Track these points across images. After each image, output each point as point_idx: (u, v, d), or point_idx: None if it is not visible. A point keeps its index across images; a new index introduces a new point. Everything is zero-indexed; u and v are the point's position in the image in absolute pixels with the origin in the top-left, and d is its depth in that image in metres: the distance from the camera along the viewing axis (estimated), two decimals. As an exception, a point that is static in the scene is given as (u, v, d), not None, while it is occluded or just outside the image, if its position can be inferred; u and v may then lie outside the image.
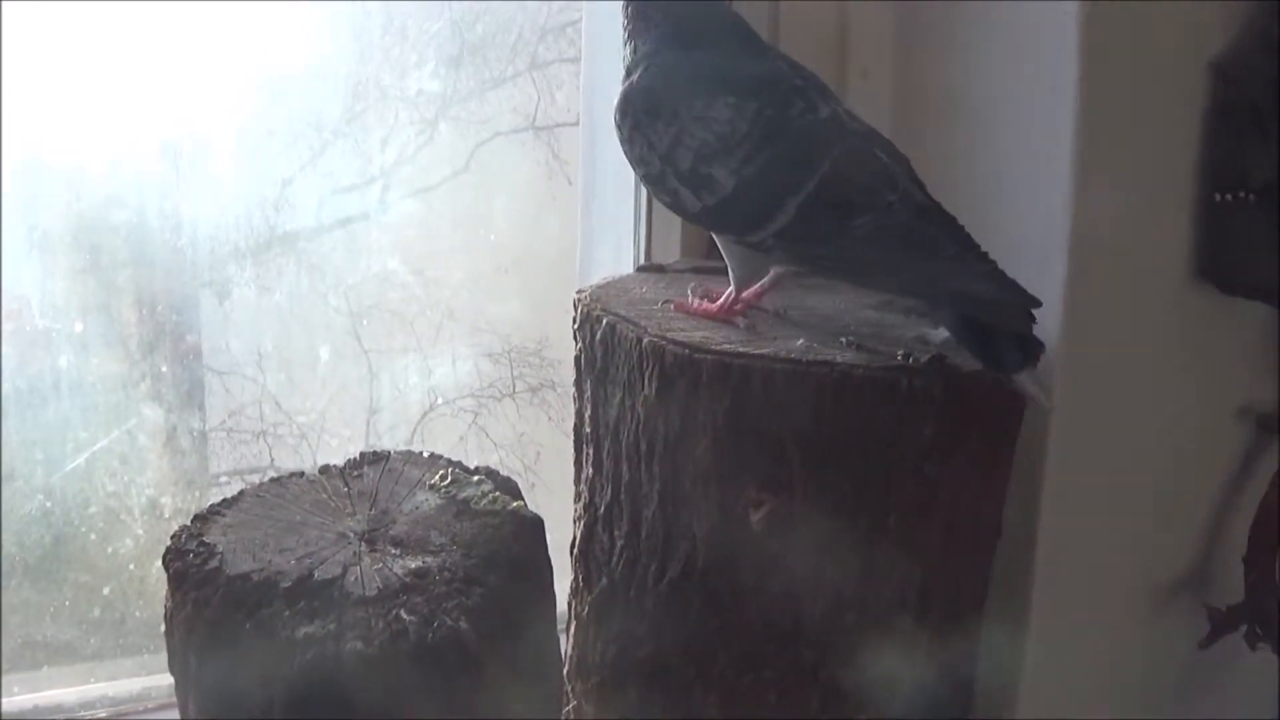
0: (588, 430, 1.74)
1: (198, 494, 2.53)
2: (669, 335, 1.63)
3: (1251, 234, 1.90)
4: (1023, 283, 1.60)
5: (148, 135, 2.22)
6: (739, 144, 1.63)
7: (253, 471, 2.63)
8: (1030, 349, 1.59)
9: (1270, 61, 1.90)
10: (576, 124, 2.30)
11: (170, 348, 2.42)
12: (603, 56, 2.02)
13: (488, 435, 2.68)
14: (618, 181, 2.06)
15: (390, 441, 2.67)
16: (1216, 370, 2.01)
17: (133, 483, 2.36)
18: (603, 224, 2.14)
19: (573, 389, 1.77)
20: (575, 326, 1.74)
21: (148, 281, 2.36)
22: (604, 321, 1.69)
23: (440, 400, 2.67)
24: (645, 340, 1.65)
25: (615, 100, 1.69)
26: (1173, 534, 2.04)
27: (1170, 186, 1.94)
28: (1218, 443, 2.06)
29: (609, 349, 1.69)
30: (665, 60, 1.69)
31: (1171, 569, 2.06)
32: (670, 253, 2.05)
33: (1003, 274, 1.59)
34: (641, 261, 2.04)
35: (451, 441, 2.66)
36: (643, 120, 1.67)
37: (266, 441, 2.64)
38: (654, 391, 1.62)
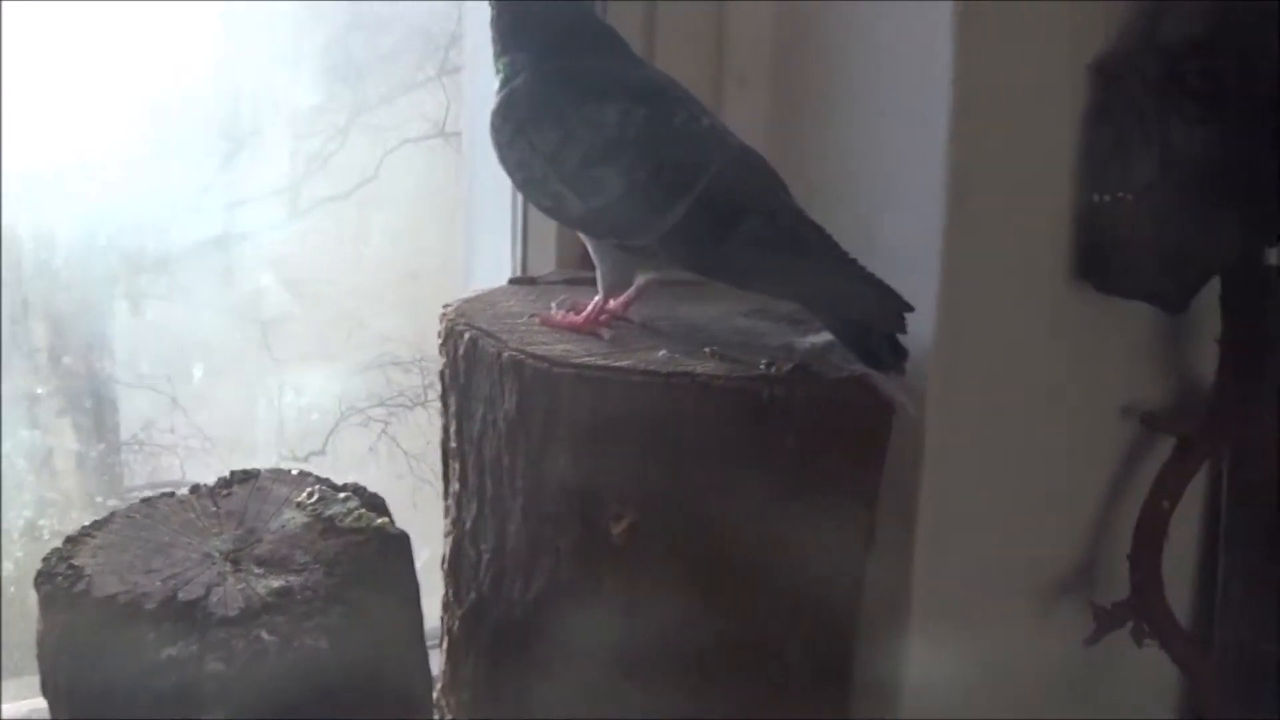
0: (453, 445, 1.76)
1: (115, 507, 2.53)
2: (529, 349, 1.65)
3: (1131, 234, 1.93)
4: (899, 286, 1.64)
5: (57, 146, 2.20)
6: (628, 146, 1.66)
7: (165, 485, 2.63)
8: (900, 351, 1.61)
9: (1150, 62, 1.90)
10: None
11: (80, 361, 2.42)
12: (485, 67, 2.03)
13: (399, 444, 2.68)
14: (496, 193, 2.07)
15: (302, 450, 2.68)
16: (1099, 370, 2.03)
17: (40, 498, 2.35)
18: (483, 236, 2.16)
19: (439, 403, 1.76)
20: (440, 342, 1.74)
21: (55, 294, 2.34)
22: (466, 336, 1.71)
23: (351, 409, 2.67)
24: (505, 355, 1.66)
25: (493, 106, 1.72)
26: (1057, 533, 2.07)
27: (1049, 187, 1.96)
28: (1102, 441, 2.08)
29: (471, 363, 1.71)
30: (548, 68, 1.72)
31: (1057, 568, 2.09)
32: (546, 264, 2.07)
33: (877, 278, 1.63)
34: (517, 273, 2.02)
35: (362, 451, 2.66)
36: (526, 123, 1.70)
37: (178, 454, 2.63)
38: (514, 406, 1.64)
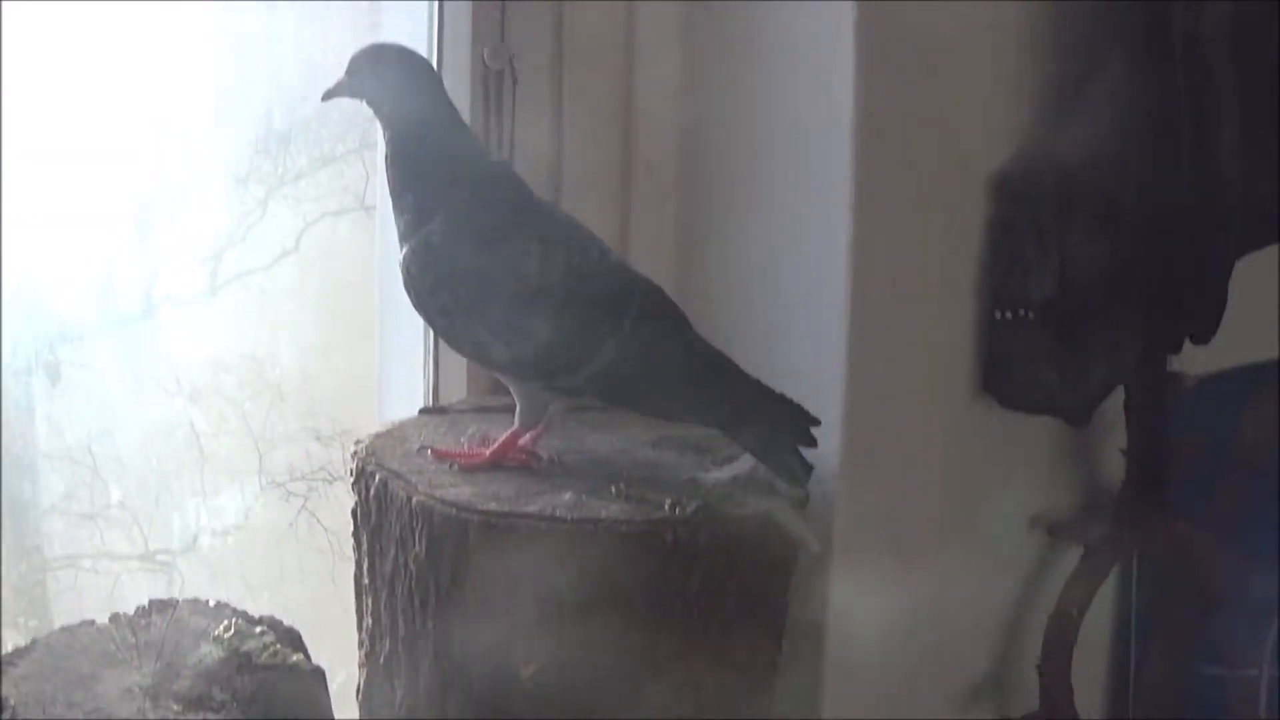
0: (366, 581, 1.81)
1: (39, 578, 2.58)
2: (438, 494, 1.71)
3: (1032, 350, 2.00)
4: (806, 402, 1.72)
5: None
6: (553, 292, 1.72)
7: (87, 556, 2.66)
8: (807, 465, 1.72)
9: (1049, 177, 1.97)
10: None
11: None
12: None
13: (318, 519, 2.71)
14: (410, 317, 2.11)
15: (220, 525, 2.71)
16: (1005, 481, 2.10)
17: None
18: (397, 358, 2.21)
19: (351, 539, 1.82)
20: (351, 481, 1.80)
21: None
22: (377, 478, 1.77)
23: (271, 482, 2.71)
24: (415, 499, 1.72)
25: (404, 253, 1.75)
26: (968, 644, 2.14)
27: (951, 303, 2.03)
28: (1010, 552, 2.15)
29: (383, 505, 1.77)
30: (461, 213, 1.75)
31: (968, 679, 2.16)
32: (458, 389, 2.12)
33: (785, 396, 1.72)
34: (431, 401, 2.09)
35: (281, 525, 2.70)
36: (447, 272, 1.73)
37: (98, 525, 2.67)
38: (424, 550, 1.70)
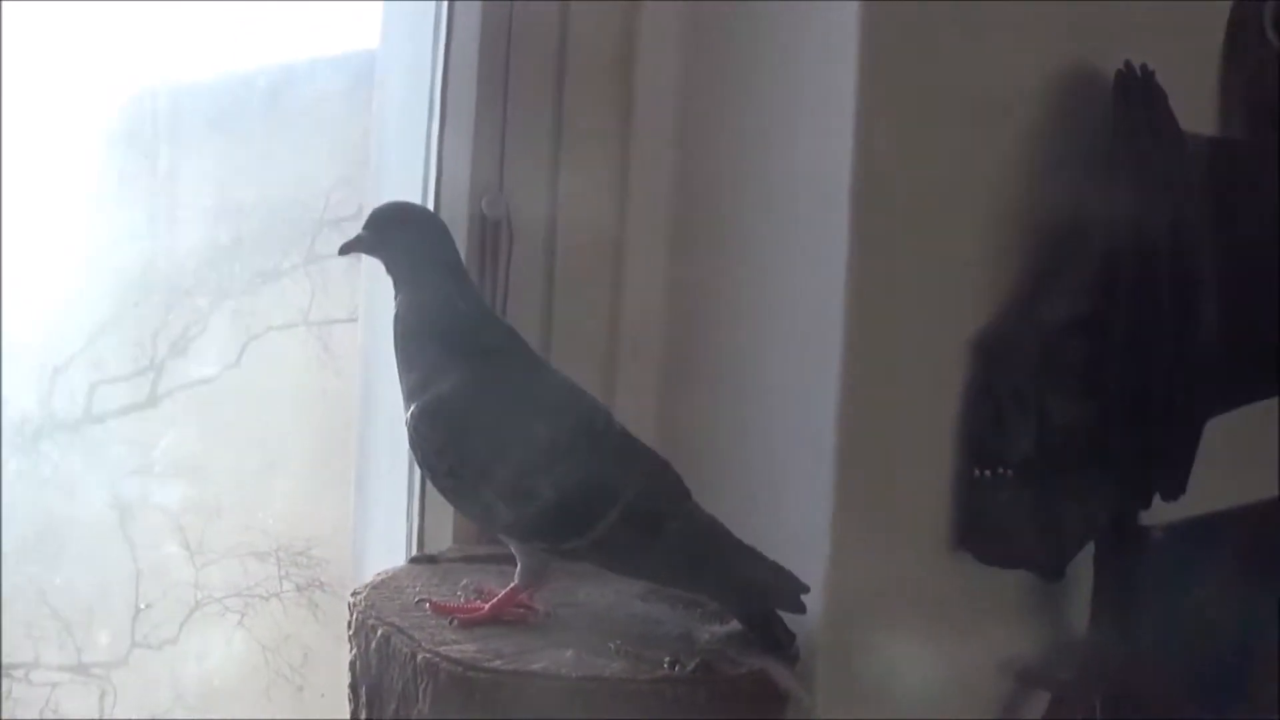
0: (365, 734, 1.85)
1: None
2: (442, 651, 1.77)
3: (1010, 509, 2.09)
4: (790, 565, 1.81)
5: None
6: (561, 458, 1.79)
7: (19, 666, 2.68)
8: (790, 634, 1.82)
9: (1029, 340, 2.08)
10: (350, 320, 2.46)
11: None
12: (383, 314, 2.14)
13: (254, 636, 2.75)
14: (392, 463, 2.17)
15: (154, 639, 2.74)
16: (977, 630, 2.18)
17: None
18: (376, 505, 2.26)
19: (347, 690, 1.88)
20: (350, 632, 1.86)
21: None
22: (379, 632, 1.82)
23: (207, 597, 2.74)
24: (420, 656, 1.77)
25: (413, 410, 1.81)
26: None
27: (931, 461, 2.13)
28: (981, 699, 2.22)
29: (384, 659, 1.82)
30: (470, 373, 1.82)
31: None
32: (444, 537, 2.17)
33: (776, 563, 1.81)
34: (414, 547, 2.16)
35: (218, 642, 2.74)
36: (457, 434, 1.79)
37: (32, 636, 2.69)
38: (428, 706, 1.75)
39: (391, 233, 1.86)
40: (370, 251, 1.86)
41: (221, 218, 2.61)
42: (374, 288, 2.24)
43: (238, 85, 2.56)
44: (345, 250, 1.89)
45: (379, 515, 2.24)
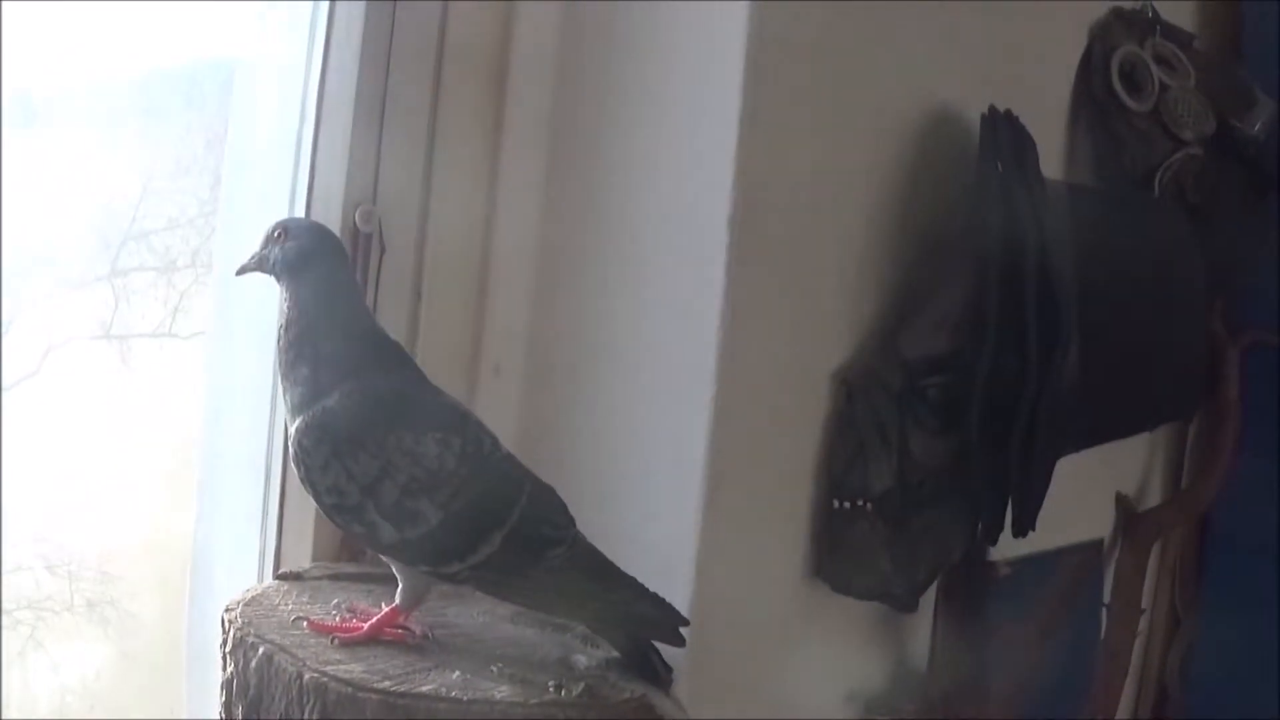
0: (238, 758, 1.85)
1: None
2: (329, 670, 1.78)
3: (866, 539, 2.17)
4: (657, 588, 1.87)
5: None
6: (447, 479, 1.80)
7: None
8: (668, 666, 1.87)
9: (892, 375, 2.16)
10: (151, 335, 2.43)
11: None
12: (236, 328, 2.14)
13: (46, 650, 2.72)
14: (243, 477, 2.18)
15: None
16: (830, 658, 2.27)
17: None
18: (220, 520, 2.25)
19: (220, 710, 1.88)
20: (226, 649, 1.86)
21: None
22: (260, 650, 1.82)
23: (-3, 612, 2.70)
24: (306, 676, 1.77)
25: (297, 426, 1.81)
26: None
27: (794, 491, 2.21)
28: (828, 729, 2.28)
29: (265, 678, 1.82)
30: (358, 389, 1.82)
31: None
32: (303, 554, 2.17)
33: (658, 596, 1.86)
34: (268, 564, 2.16)
35: (9, 654, 2.70)
36: (343, 450, 1.78)
37: None
38: (314, 728, 1.76)
39: (281, 245, 1.88)
40: (262, 268, 1.88)
41: (26, 224, 2.56)
42: (228, 296, 2.21)
43: (57, 91, 2.51)
44: (241, 272, 1.92)
45: (224, 531, 2.23)
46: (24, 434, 2.60)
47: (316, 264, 1.87)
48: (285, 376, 1.86)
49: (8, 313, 2.60)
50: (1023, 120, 2.26)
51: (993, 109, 2.21)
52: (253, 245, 1.91)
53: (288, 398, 1.85)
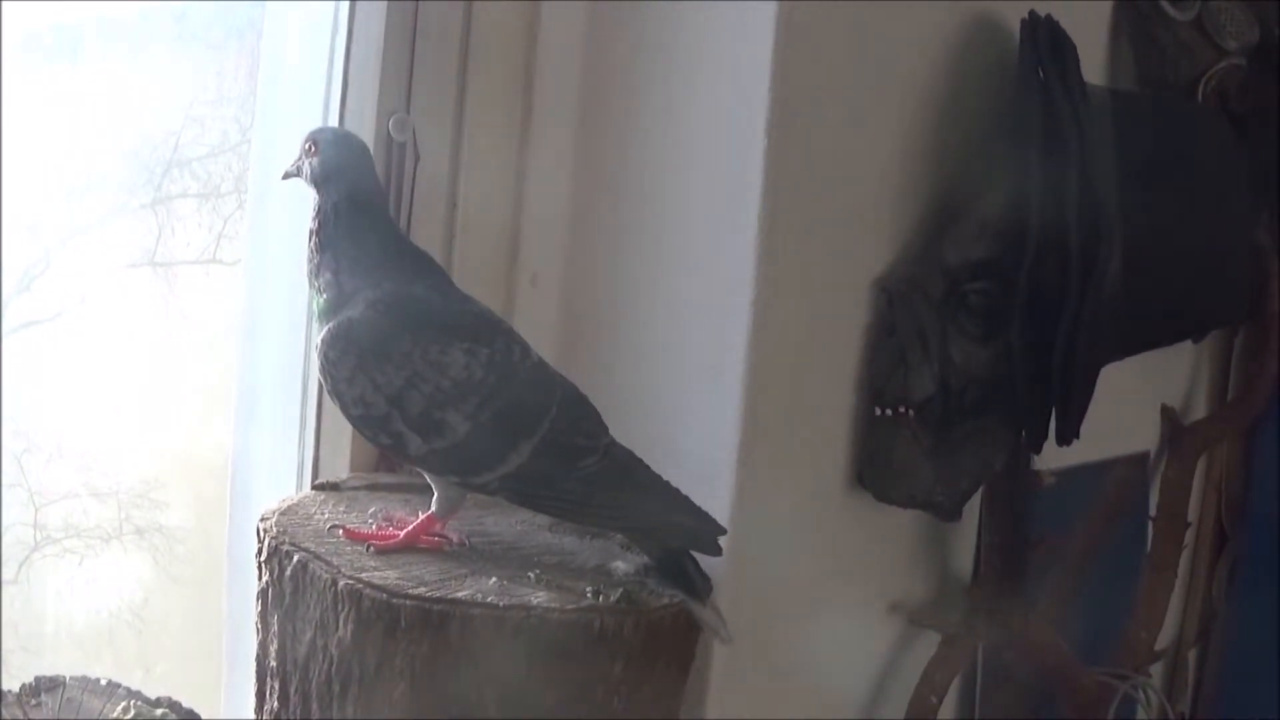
0: (273, 664, 1.81)
1: None
2: (364, 577, 1.73)
3: (908, 447, 2.11)
4: (694, 494, 1.81)
5: None
6: (474, 390, 1.75)
7: None
8: (706, 577, 1.79)
9: (933, 282, 2.09)
10: (195, 261, 2.41)
11: None
12: (273, 256, 2.09)
13: (96, 577, 2.69)
14: (285, 386, 2.13)
15: (-10, 580, 2.68)
16: (870, 570, 2.22)
17: None
18: (259, 435, 2.21)
19: (255, 620, 1.83)
20: (261, 559, 1.82)
21: None
22: (294, 558, 1.77)
23: (47, 539, 2.68)
24: (341, 583, 1.73)
25: (323, 334, 1.77)
26: (830, 726, 2.19)
27: (835, 399, 2.14)
28: (871, 638, 2.25)
29: (299, 586, 1.77)
30: (383, 298, 1.78)
31: (828, 760, 2.21)
32: (340, 466, 2.12)
33: (694, 505, 1.79)
34: (308, 476, 2.12)
35: (59, 582, 2.68)
36: (369, 361, 1.75)
37: None
38: (349, 634, 1.72)
39: (316, 152, 1.85)
40: (301, 173, 1.84)
41: (68, 154, 2.53)
42: (265, 215, 2.17)
43: (92, 20, 2.47)
44: (286, 176, 1.88)
45: (263, 445, 2.19)
46: (69, 362, 2.57)
47: (342, 173, 1.83)
48: (311, 284, 1.83)
49: (54, 241, 2.57)
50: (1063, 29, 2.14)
51: (1033, 14, 2.14)
52: (287, 165, 1.89)
53: (314, 304, 1.82)
